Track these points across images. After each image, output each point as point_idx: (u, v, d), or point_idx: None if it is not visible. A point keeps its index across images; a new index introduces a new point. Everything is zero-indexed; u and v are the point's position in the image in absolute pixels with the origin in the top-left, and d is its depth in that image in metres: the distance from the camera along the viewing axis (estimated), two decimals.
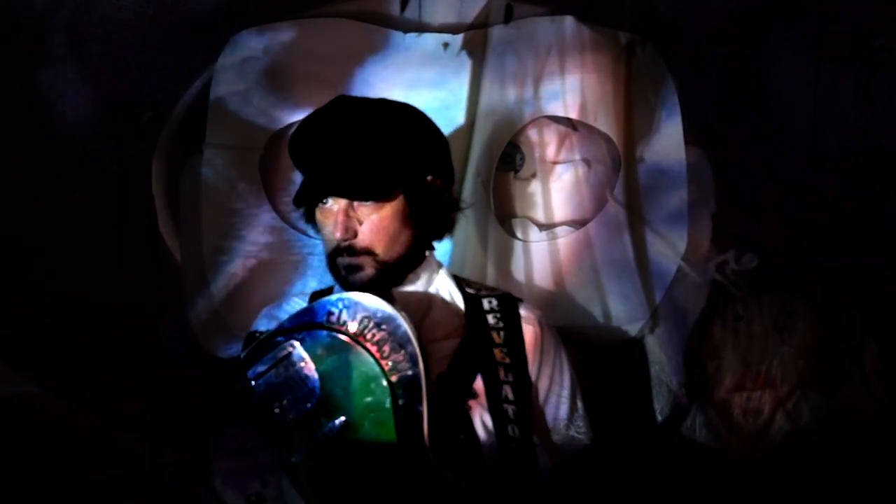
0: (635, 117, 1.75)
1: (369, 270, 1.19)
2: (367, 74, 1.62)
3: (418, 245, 1.25)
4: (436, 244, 1.31)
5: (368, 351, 1.09)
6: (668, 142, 1.72)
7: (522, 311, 1.29)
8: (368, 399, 1.09)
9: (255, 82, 1.59)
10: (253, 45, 1.59)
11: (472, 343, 1.23)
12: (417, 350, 1.09)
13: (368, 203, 1.18)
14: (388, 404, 1.08)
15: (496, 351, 1.22)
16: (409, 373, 1.08)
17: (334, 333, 1.11)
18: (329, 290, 1.30)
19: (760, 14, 1.67)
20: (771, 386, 1.68)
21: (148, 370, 1.55)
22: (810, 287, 1.69)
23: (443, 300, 1.29)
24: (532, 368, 1.26)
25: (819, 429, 1.67)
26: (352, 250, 1.18)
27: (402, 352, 1.09)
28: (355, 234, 1.18)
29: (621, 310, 1.72)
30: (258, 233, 1.63)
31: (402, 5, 1.62)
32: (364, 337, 1.10)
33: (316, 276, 1.63)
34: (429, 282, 1.28)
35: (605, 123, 1.69)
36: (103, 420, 1.60)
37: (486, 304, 1.28)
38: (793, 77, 1.67)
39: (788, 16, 1.66)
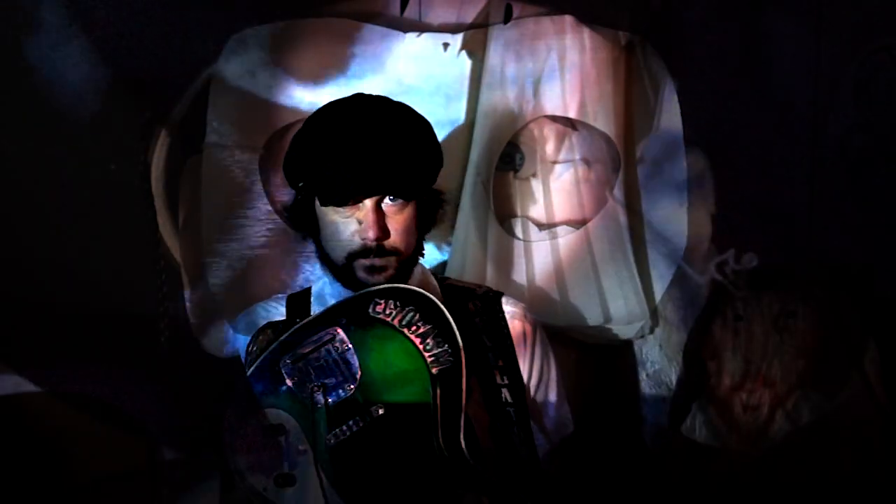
0: (635, 117, 1.75)
1: (391, 271, 1.17)
2: (368, 74, 1.62)
3: (420, 245, 1.25)
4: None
5: (412, 342, 1.11)
6: (668, 142, 1.72)
7: (506, 307, 1.27)
8: (408, 388, 1.11)
9: (255, 82, 1.59)
10: (253, 44, 1.59)
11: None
12: (460, 344, 1.10)
13: (396, 203, 1.16)
14: (427, 396, 1.09)
15: (489, 356, 1.22)
16: (450, 366, 1.09)
17: (379, 322, 1.12)
18: (307, 292, 1.29)
19: (760, 14, 1.68)
20: (771, 386, 1.69)
21: (148, 370, 1.55)
22: (810, 287, 1.69)
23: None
24: (523, 363, 1.25)
25: (819, 429, 1.67)
26: (382, 251, 1.15)
27: (445, 345, 1.10)
28: (388, 235, 1.16)
29: (621, 310, 1.72)
30: (258, 232, 1.63)
31: (402, 5, 1.62)
32: (409, 328, 1.11)
33: (316, 275, 1.63)
34: (421, 283, 1.28)
35: (604, 123, 1.70)
36: (103, 420, 1.60)
37: (470, 305, 1.26)
38: (793, 77, 1.67)
39: (788, 16, 1.66)
